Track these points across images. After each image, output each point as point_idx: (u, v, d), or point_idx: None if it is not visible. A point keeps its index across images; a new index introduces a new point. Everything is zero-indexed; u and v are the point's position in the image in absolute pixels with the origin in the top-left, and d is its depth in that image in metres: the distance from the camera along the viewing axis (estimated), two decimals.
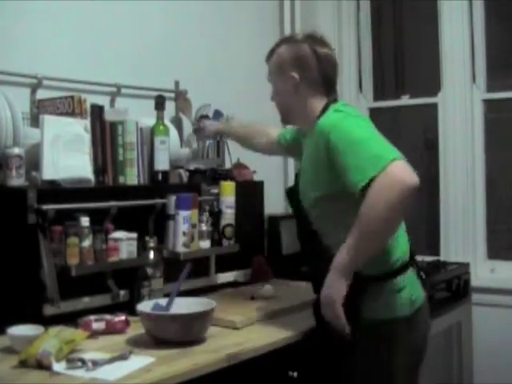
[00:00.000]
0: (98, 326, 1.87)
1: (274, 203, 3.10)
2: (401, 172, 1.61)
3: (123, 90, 2.50)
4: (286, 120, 2.09)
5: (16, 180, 1.94)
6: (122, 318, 1.92)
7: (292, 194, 1.99)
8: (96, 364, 1.57)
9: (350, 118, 1.80)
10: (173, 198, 2.24)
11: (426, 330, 1.89)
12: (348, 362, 1.81)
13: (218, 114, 2.76)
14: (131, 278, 2.13)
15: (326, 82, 1.93)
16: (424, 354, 1.89)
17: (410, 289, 1.81)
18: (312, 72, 1.92)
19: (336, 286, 1.69)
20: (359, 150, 1.68)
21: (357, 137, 1.71)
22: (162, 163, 2.32)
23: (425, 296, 1.88)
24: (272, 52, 2.02)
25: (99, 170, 2.15)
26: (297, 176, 1.99)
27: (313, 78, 1.92)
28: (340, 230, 1.73)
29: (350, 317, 1.72)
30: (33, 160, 1.98)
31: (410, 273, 1.84)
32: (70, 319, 1.91)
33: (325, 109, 1.89)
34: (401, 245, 1.83)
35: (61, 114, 2.11)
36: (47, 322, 1.84)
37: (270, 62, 2.02)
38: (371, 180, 1.61)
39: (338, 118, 1.79)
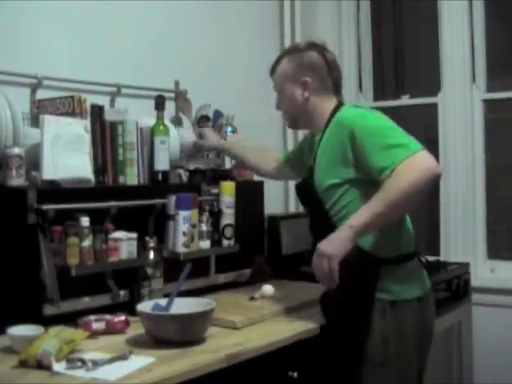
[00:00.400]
0: (97, 326, 1.87)
1: (274, 203, 3.10)
2: (428, 160, 1.72)
3: (123, 90, 2.50)
4: (295, 126, 2.18)
5: (16, 180, 1.94)
6: (122, 318, 1.92)
7: (304, 188, 2.04)
8: (96, 364, 1.57)
9: (372, 112, 1.92)
10: (173, 198, 2.24)
11: (432, 314, 1.97)
12: (359, 344, 1.83)
13: (217, 114, 2.76)
14: (131, 278, 2.13)
15: (335, 86, 2.03)
16: (432, 337, 1.97)
17: (420, 273, 1.93)
18: (323, 76, 2.01)
19: (342, 243, 1.72)
20: (387, 138, 1.77)
21: (383, 126, 1.82)
22: (162, 163, 2.32)
23: (430, 284, 1.99)
24: (277, 63, 2.08)
25: (99, 170, 2.15)
26: (308, 171, 2.02)
27: (324, 82, 2.01)
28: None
29: (365, 297, 1.80)
30: (33, 160, 1.98)
31: (417, 260, 1.94)
32: (70, 319, 1.91)
33: (336, 109, 1.98)
34: (409, 233, 1.94)
35: (61, 114, 2.11)
36: (47, 322, 1.83)
37: (278, 71, 2.07)
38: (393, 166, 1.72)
39: (360, 111, 1.92)
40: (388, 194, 1.71)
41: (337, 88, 2.04)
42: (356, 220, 1.73)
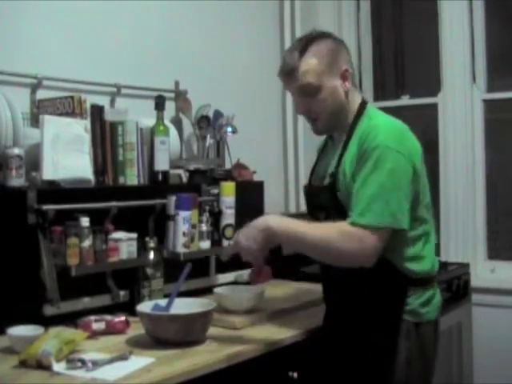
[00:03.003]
0: (97, 326, 1.88)
1: (274, 203, 3.10)
2: (374, 248, 1.63)
3: (123, 90, 2.49)
4: (332, 128, 1.85)
5: (16, 180, 1.94)
6: (122, 318, 1.92)
7: (324, 192, 1.85)
8: (96, 364, 1.57)
9: (398, 153, 1.67)
10: (173, 199, 2.24)
11: (438, 339, 1.91)
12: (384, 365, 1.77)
13: (217, 114, 2.76)
14: (131, 279, 2.13)
15: (355, 75, 1.87)
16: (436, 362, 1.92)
17: (439, 296, 1.88)
18: (350, 62, 1.83)
19: (257, 242, 1.71)
20: (377, 194, 1.64)
21: (385, 180, 1.65)
22: (162, 163, 2.32)
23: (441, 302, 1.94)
24: (300, 58, 1.75)
25: (99, 170, 2.15)
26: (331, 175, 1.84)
27: (352, 70, 1.83)
28: None
29: (390, 318, 1.74)
30: (33, 160, 1.98)
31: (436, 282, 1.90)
32: (70, 319, 1.91)
33: (362, 107, 1.81)
34: (434, 255, 1.88)
35: (61, 114, 2.11)
36: (47, 322, 1.84)
37: (306, 68, 1.74)
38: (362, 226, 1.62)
39: (389, 142, 1.67)
40: (314, 236, 1.67)
41: (353, 78, 1.85)
42: (275, 226, 1.70)
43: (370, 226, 1.62)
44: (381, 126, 1.72)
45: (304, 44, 1.77)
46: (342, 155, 1.77)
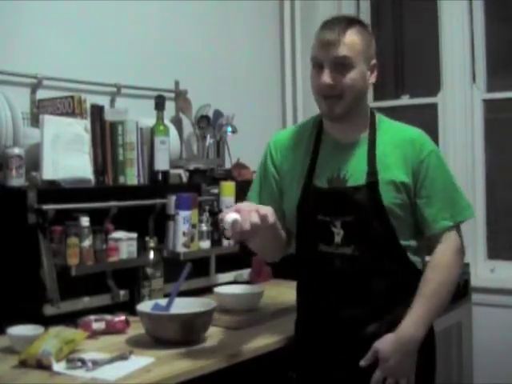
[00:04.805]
0: (98, 326, 1.88)
1: None
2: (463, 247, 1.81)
3: (123, 90, 2.50)
4: (347, 112, 1.73)
5: (16, 180, 1.94)
6: (122, 318, 1.92)
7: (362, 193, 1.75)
8: (96, 364, 1.57)
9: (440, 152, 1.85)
10: (173, 198, 2.24)
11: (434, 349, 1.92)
12: None
13: (217, 114, 2.77)
14: (131, 278, 2.13)
15: None
16: None
17: None
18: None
19: (412, 363, 1.69)
20: (454, 191, 1.79)
21: (452, 176, 1.81)
22: (162, 163, 2.32)
23: None
24: (348, 28, 1.70)
25: (99, 170, 2.15)
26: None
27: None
28: None
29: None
30: (33, 160, 1.98)
31: None
32: (70, 319, 1.92)
33: (373, 112, 1.82)
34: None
35: (61, 114, 2.11)
36: (47, 321, 1.84)
37: (350, 41, 1.69)
38: (453, 225, 1.75)
39: (434, 145, 1.82)
40: (436, 298, 1.70)
41: None
42: (415, 331, 1.67)
43: (462, 222, 1.79)
44: (418, 132, 1.81)
45: (349, 21, 1.74)
46: (373, 154, 1.73)
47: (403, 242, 1.73)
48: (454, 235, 1.76)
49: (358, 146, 1.76)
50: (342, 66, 1.69)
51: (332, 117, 1.75)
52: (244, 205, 1.62)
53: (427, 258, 1.78)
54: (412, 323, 1.67)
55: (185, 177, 2.54)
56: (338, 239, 1.72)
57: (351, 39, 1.69)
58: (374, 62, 1.76)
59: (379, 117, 1.83)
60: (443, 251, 1.74)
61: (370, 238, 1.71)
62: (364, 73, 1.72)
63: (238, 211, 1.55)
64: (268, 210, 1.59)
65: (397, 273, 1.72)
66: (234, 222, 1.52)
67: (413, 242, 1.76)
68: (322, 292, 1.77)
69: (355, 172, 1.72)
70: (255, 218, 1.54)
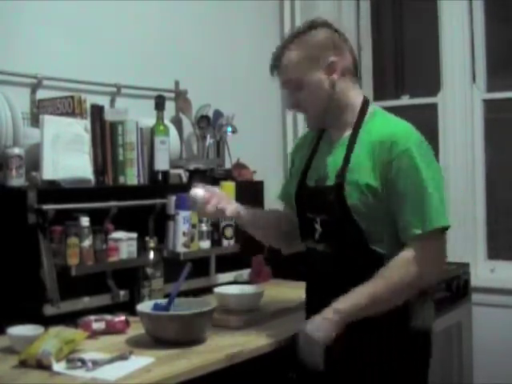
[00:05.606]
0: (98, 326, 1.88)
1: (274, 203, 3.10)
2: (441, 255, 1.67)
3: (123, 90, 2.50)
4: (322, 124, 1.79)
5: (16, 180, 1.94)
6: (122, 318, 1.92)
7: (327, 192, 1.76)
8: (96, 364, 1.57)
9: (425, 149, 1.67)
10: (173, 198, 2.24)
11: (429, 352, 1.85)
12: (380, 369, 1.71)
13: (217, 114, 2.76)
14: (131, 278, 2.13)
15: (355, 68, 1.76)
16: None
17: (430, 308, 1.82)
18: (345, 55, 1.72)
19: (329, 330, 1.63)
20: (426, 197, 1.61)
21: (425, 180, 1.62)
22: (162, 163, 2.32)
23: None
24: (282, 54, 1.73)
25: (99, 170, 2.15)
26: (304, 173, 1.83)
27: (347, 62, 1.72)
28: None
29: (398, 326, 1.69)
30: (33, 160, 1.98)
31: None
32: (70, 319, 1.91)
33: (365, 105, 1.75)
34: None
35: (61, 114, 2.11)
36: (47, 321, 1.84)
37: (287, 64, 1.71)
38: (427, 232, 1.61)
39: (415, 141, 1.65)
40: (377, 288, 1.62)
41: (357, 71, 1.76)
42: (342, 306, 1.63)
43: (436, 230, 1.61)
44: (400, 129, 1.68)
45: (289, 38, 1.74)
46: (348, 155, 1.70)
47: (378, 246, 1.68)
48: (427, 244, 1.62)
49: (341, 145, 1.75)
50: (291, 87, 1.73)
51: (310, 129, 1.84)
52: (215, 192, 1.82)
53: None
54: (341, 299, 1.65)
55: (185, 177, 2.54)
56: (317, 236, 1.78)
57: (288, 60, 1.70)
58: (330, 60, 1.68)
59: (374, 112, 1.76)
60: (401, 258, 1.63)
61: (338, 237, 1.72)
62: (319, 80, 1.69)
63: (207, 193, 1.79)
64: (229, 206, 1.81)
65: (366, 274, 1.65)
66: (194, 199, 1.79)
67: (389, 248, 1.67)
68: (310, 288, 1.90)
69: (332, 172, 1.73)
70: (209, 209, 1.78)
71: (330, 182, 1.73)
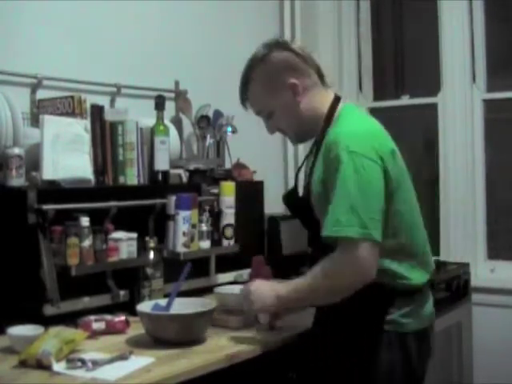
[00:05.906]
0: (98, 326, 1.88)
1: (274, 203, 3.10)
2: (366, 263, 1.57)
3: (123, 90, 2.50)
4: (302, 138, 1.88)
5: (16, 180, 1.94)
6: (122, 318, 1.92)
7: (293, 199, 1.88)
8: (96, 364, 1.57)
9: (362, 157, 1.60)
10: (173, 198, 2.24)
11: (433, 339, 1.83)
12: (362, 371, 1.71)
13: (217, 114, 2.76)
14: (131, 278, 2.13)
15: (318, 73, 1.79)
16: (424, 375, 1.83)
17: (430, 306, 1.80)
18: (304, 70, 1.76)
19: (266, 306, 1.79)
20: (347, 201, 1.58)
21: (353, 185, 1.58)
22: (162, 163, 2.32)
23: (433, 312, 1.85)
24: (246, 86, 1.81)
25: (99, 170, 2.15)
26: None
27: (307, 75, 1.77)
28: None
29: (373, 328, 1.67)
30: (33, 160, 1.98)
31: (428, 289, 1.82)
32: (70, 319, 1.91)
33: (334, 104, 1.77)
34: (426, 260, 1.79)
35: (61, 114, 2.11)
36: (47, 321, 1.84)
37: (254, 94, 1.80)
38: (338, 238, 1.58)
39: (346, 147, 1.60)
40: (314, 284, 1.66)
41: (320, 74, 1.79)
42: (284, 293, 1.73)
43: (348, 238, 1.57)
44: (342, 132, 1.66)
45: (248, 68, 1.82)
46: (312, 166, 1.75)
47: None
48: (341, 248, 1.60)
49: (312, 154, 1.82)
50: (264, 115, 1.82)
51: (295, 145, 2.06)
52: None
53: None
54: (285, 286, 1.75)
55: (185, 177, 2.54)
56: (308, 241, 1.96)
57: (253, 93, 1.80)
58: (289, 82, 1.74)
59: (339, 114, 1.75)
60: (330, 255, 1.62)
61: (314, 241, 1.81)
62: (286, 102, 1.76)
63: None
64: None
65: None
66: (258, 319, 1.94)
67: None
68: None
69: (304, 184, 1.82)
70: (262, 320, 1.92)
71: (302, 192, 1.82)
